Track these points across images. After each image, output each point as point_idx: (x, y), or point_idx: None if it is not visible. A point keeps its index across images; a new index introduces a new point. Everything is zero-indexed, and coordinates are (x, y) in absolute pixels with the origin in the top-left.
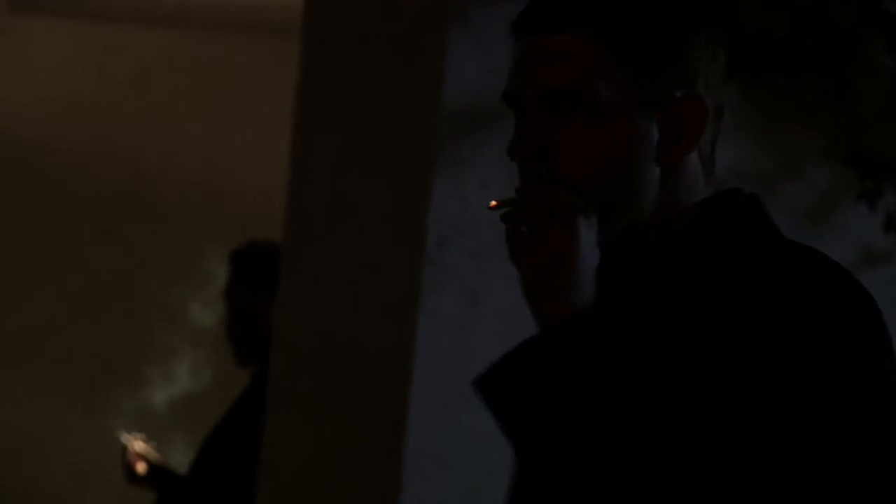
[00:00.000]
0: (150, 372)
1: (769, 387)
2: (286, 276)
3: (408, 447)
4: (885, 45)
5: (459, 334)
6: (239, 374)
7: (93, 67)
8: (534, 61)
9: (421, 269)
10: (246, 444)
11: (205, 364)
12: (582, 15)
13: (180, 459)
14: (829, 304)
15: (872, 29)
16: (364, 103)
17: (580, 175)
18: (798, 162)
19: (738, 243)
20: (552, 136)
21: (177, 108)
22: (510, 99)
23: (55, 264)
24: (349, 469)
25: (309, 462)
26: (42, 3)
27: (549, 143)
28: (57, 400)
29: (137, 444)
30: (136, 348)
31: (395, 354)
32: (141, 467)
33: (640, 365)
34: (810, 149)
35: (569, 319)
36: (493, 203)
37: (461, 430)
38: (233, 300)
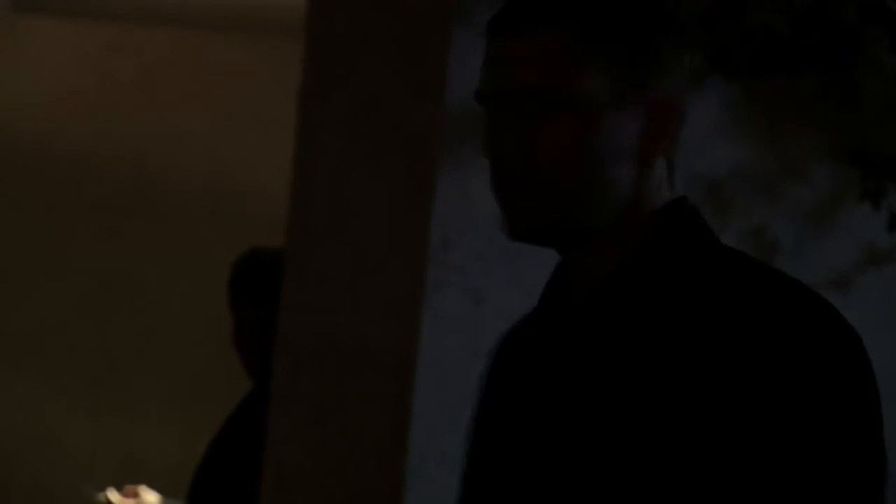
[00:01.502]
0: (153, 372)
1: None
2: (289, 276)
3: (411, 447)
4: (889, 44)
5: (463, 334)
6: (243, 374)
7: (96, 67)
8: (510, 61)
9: (425, 269)
10: (251, 446)
11: (209, 364)
12: (558, 15)
13: (181, 459)
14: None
15: (876, 28)
16: (368, 103)
17: (559, 173)
18: (801, 162)
19: (688, 268)
20: (530, 134)
21: (181, 108)
22: (484, 98)
23: (58, 264)
24: (353, 469)
25: (312, 462)
26: (45, 3)
27: (526, 141)
28: (60, 400)
29: (115, 494)
30: (140, 348)
31: (398, 354)
32: None
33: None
34: (813, 148)
35: None
36: None
37: (464, 430)
38: (239, 315)
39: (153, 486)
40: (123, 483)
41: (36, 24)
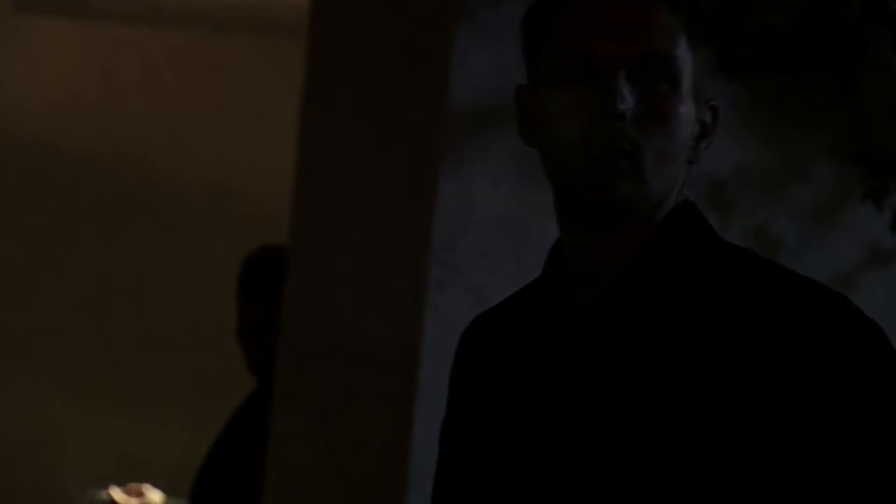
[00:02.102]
0: (155, 372)
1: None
2: (293, 276)
3: (414, 446)
4: (892, 43)
5: None
6: (246, 374)
7: (99, 67)
8: (629, 23)
9: (428, 269)
10: (254, 445)
11: (211, 364)
12: None
13: (183, 458)
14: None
15: (879, 28)
16: (370, 103)
17: (654, 145)
18: (804, 161)
19: (701, 267)
20: (637, 104)
21: (184, 107)
22: (587, 58)
23: (61, 264)
24: (356, 468)
25: (316, 461)
26: (48, 3)
27: (639, 108)
28: (62, 399)
29: (118, 491)
30: (142, 348)
31: (401, 353)
32: None
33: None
34: (816, 148)
35: None
36: None
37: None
38: (245, 311)
39: (155, 485)
40: (126, 482)
41: (38, 23)
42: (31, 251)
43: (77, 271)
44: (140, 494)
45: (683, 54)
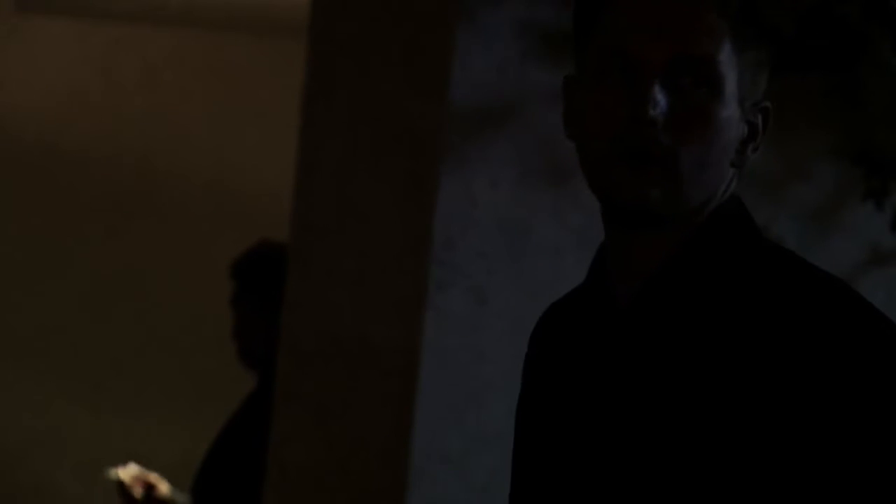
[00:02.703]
0: (156, 371)
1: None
2: (293, 276)
3: (415, 446)
4: (893, 43)
5: (467, 333)
6: (246, 374)
7: (100, 67)
8: (669, 23)
9: (428, 268)
10: (254, 445)
11: (212, 363)
12: None
13: (184, 457)
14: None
15: (880, 28)
16: (371, 103)
17: (692, 152)
18: (805, 161)
19: (740, 267)
20: (674, 107)
21: (185, 107)
22: (625, 58)
23: (61, 263)
24: (356, 468)
25: (316, 461)
26: (49, 3)
27: (677, 114)
28: (63, 399)
29: (129, 473)
30: (143, 347)
31: (402, 354)
32: (137, 491)
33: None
34: (817, 148)
35: None
36: None
37: (468, 430)
38: (240, 309)
39: None
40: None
41: (39, 23)
42: (31, 251)
43: (77, 271)
44: (146, 483)
45: (727, 58)
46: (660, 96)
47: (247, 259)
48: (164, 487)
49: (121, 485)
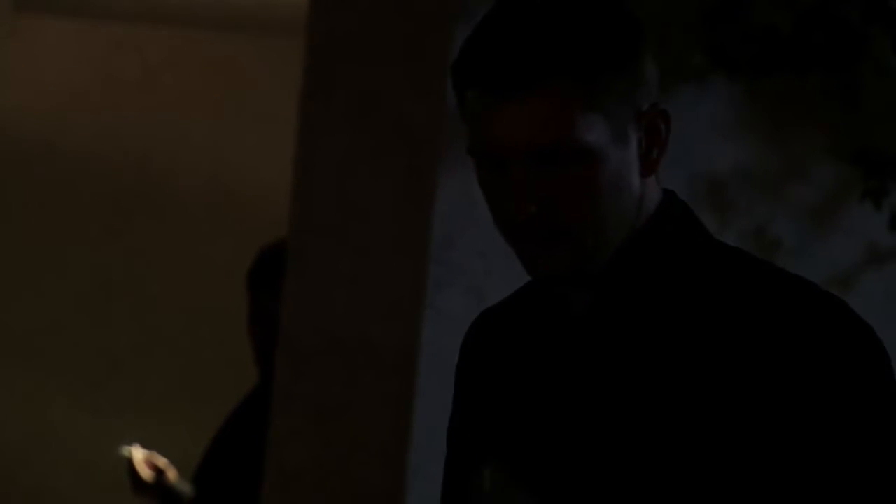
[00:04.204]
0: (155, 371)
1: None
2: (292, 275)
3: (413, 446)
4: (892, 43)
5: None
6: (246, 373)
7: (99, 67)
8: (516, 121)
9: (427, 268)
10: (252, 444)
11: (211, 362)
12: (550, 67)
13: (183, 457)
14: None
15: (879, 28)
16: (370, 102)
17: (587, 221)
18: (803, 160)
19: (690, 263)
20: (548, 191)
21: (183, 107)
22: (481, 154)
23: (61, 263)
24: (355, 468)
25: (314, 461)
26: (48, 3)
27: (544, 197)
28: (62, 399)
29: (141, 452)
30: (142, 347)
31: (400, 353)
32: (147, 473)
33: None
34: (815, 147)
35: None
36: None
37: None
38: (255, 302)
39: None
40: (123, 482)
41: (38, 23)
42: (30, 250)
43: (77, 270)
44: (155, 467)
45: (587, 123)
46: (527, 189)
47: (264, 256)
48: (172, 474)
49: (131, 463)
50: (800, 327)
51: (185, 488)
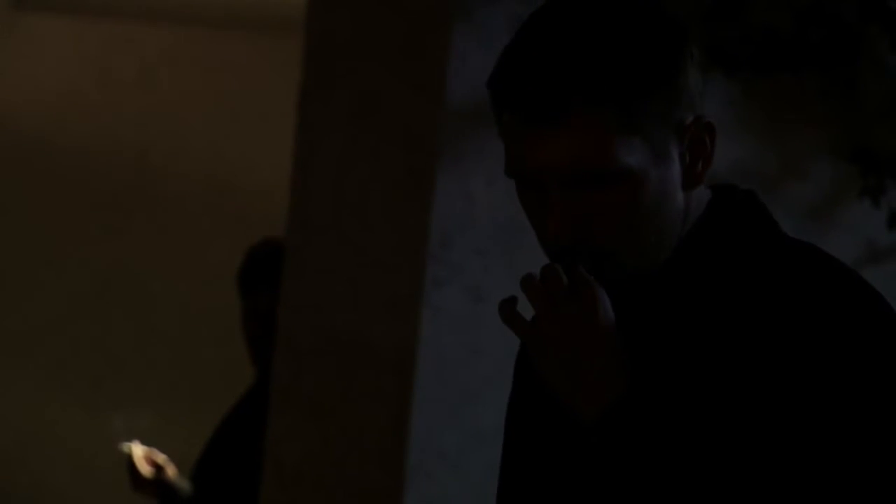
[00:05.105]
0: (154, 370)
1: (825, 406)
2: (289, 273)
3: (411, 444)
4: (890, 42)
5: (464, 331)
6: (244, 371)
7: (97, 65)
8: (552, 147)
9: (425, 266)
10: (250, 442)
11: (209, 361)
12: (585, 89)
13: (182, 456)
14: (861, 317)
15: (877, 26)
16: (368, 101)
17: (628, 243)
18: (801, 159)
19: (755, 257)
20: (588, 215)
21: (181, 105)
22: (523, 179)
23: (59, 262)
24: (353, 466)
25: (312, 459)
26: (46, 1)
27: (584, 222)
28: (60, 397)
29: (141, 449)
30: (141, 346)
31: (398, 351)
32: (146, 470)
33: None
34: (814, 146)
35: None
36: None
37: (465, 427)
38: (250, 301)
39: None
40: (123, 479)
41: (36, 21)
42: (28, 248)
43: (74, 268)
44: (155, 464)
45: (626, 148)
46: (565, 213)
47: (255, 254)
48: (171, 470)
49: (131, 459)
50: (848, 331)
51: (184, 485)
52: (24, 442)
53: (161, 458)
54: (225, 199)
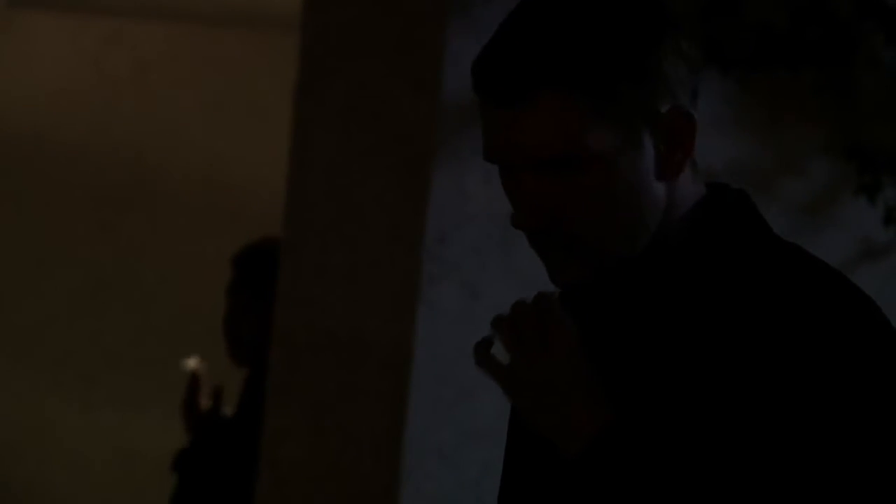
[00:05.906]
0: (150, 367)
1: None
2: (286, 270)
3: (407, 441)
4: (886, 39)
5: (459, 328)
6: (241, 369)
7: (92, 62)
8: (519, 131)
9: (421, 263)
10: (247, 440)
11: (205, 357)
12: (554, 74)
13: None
14: (849, 322)
15: (873, 23)
16: (364, 98)
17: (600, 229)
18: (797, 156)
19: (739, 255)
20: (558, 199)
21: (177, 102)
22: (495, 160)
23: (55, 259)
24: (349, 463)
25: (309, 456)
26: None
27: (554, 206)
28: (57, 395)
29: (203, 369)
30: (137, 343)
31: (394, 348)
32: (206, 402)
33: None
34: (810, 143)
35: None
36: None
37: (461, 424)
38: (235, 300)
39: (151, 480)
40: (118, 475)
41: (32, 18)
42: (24, 245)
43: (70, 265)
44: (217, 392)
45: (595, 133)
46: (535, 198)
47: (248, 251)
48: (227, 409)
49: (193, 377)
50: (819, 322)
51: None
52: (20, 439)
53: (219, 387)
54: (220, 195)
